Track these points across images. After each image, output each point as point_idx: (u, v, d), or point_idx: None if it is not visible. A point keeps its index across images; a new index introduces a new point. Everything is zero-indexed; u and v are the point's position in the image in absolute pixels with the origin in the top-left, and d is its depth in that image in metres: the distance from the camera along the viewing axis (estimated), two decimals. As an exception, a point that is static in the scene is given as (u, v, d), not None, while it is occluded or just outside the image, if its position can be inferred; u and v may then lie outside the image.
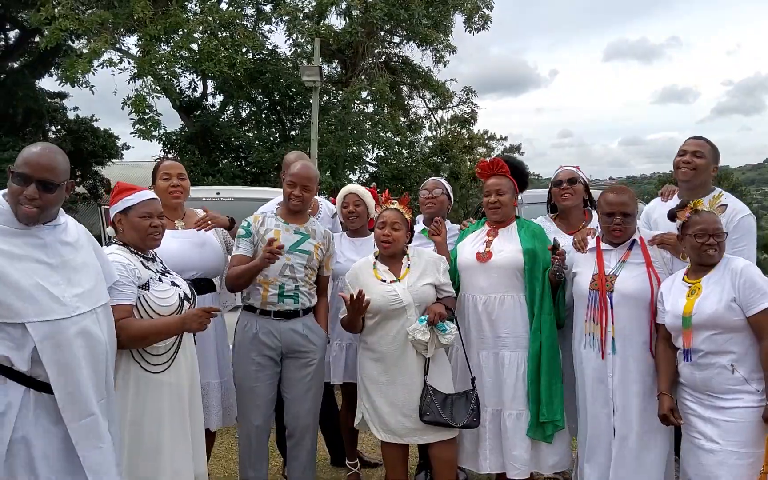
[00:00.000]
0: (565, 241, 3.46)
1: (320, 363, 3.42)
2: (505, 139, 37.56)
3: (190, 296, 2.87)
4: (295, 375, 3.33)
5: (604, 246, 3.21)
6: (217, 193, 5.80)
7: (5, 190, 2.28)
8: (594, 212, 3.63)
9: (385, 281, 3.32)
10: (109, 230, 2.88)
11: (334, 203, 4.22)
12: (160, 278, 2.78)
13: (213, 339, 3.32)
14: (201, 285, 3.29)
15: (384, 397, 3.32)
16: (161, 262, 2.90)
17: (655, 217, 3.45)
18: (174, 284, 2.82)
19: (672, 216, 3.01)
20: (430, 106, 20.19)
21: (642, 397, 3.04)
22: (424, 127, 20.11)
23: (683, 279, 2.90)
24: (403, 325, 3.26)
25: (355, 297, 3.14)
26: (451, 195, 4.22)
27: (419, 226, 4.06)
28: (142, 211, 2.75)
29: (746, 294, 2.67)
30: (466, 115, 19.81)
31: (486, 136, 37.16)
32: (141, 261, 2.74)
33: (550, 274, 3.33)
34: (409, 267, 3.36)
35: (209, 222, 3.44)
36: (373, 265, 3.40)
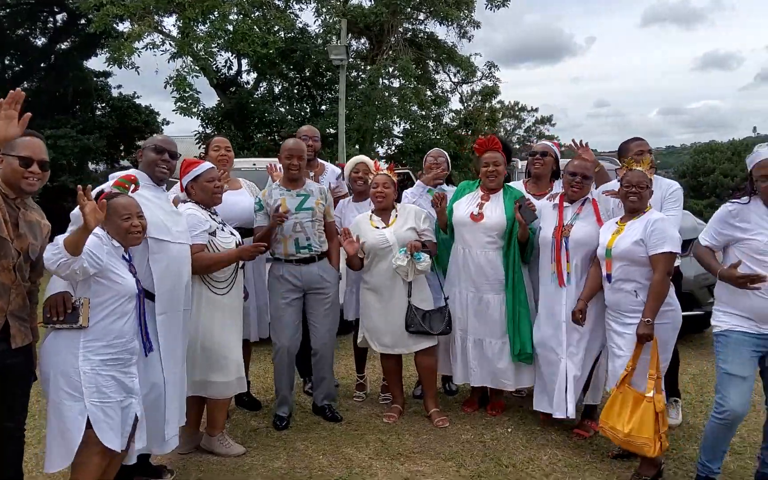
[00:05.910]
0: (535, 202, 4.28)
1: (335, 296, 4.37)
2: (536, 110, 37.52)
3: (241, 242, 3.89)
4: (316, 306, 4.30)
5: (565, 203, 4.09)
6: (254, 164, 7.02)
7: (132, 170, 3.41)
8: (557, 181, 4.52)
9: (378, 228, 4.29)
10: (181, 195, 3.88)
11: (340, 167, 5.20)
12: (222, 228, 3.79)
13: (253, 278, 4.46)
14: (242, 232, 4.28)
15: (379, 319, 4.32)
16: (220, 217, 3.88)
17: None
18: (231, 233, 3.84)
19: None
20: (455, 80, 20.81)
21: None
22: (450, 100, 20.68)
23: (616, 222, 3.74)
24: (390, 262, 4.21)
25: (354, 239, 4.19)
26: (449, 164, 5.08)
27: (419, 188, 4.86)
28: (208, 177, 3.74)
29: (652, 238, 3.48)
30: (487, 90, 20.32)
31: (516, 108, 37.08)
32: (209, 215, 3.76)
33: (520, 226, 4.13)
34: (396, 217, 4.33)
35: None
36: (370, 217, 4.37)
